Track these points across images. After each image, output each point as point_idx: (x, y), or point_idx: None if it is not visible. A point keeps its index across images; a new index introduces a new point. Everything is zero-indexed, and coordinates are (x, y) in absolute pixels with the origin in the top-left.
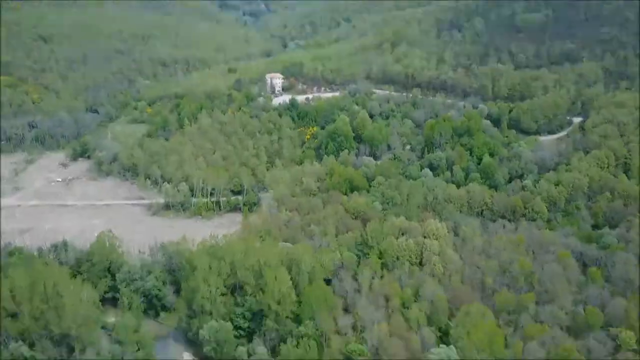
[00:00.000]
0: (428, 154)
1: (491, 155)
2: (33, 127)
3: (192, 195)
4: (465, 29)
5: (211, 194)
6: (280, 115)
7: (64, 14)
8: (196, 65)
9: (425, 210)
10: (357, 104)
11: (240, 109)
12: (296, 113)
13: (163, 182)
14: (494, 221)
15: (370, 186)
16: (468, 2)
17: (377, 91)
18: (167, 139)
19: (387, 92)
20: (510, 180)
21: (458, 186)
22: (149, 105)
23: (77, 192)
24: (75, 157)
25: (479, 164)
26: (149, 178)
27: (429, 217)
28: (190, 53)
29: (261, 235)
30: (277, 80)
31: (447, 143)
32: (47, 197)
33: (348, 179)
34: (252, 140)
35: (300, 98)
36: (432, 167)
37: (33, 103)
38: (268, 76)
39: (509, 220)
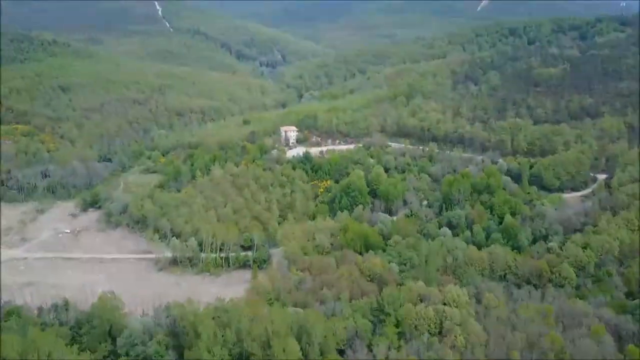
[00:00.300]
0: (446, 211)
1: (513, 214)
2: (46, 176)
3: (201, 251)
4: (481, 82)
5: (220, 249)
6: (294, 168)
7: (84, 64)
8: (211, 114)
9: (445, 273)
10: (371, 157)
11: (253, 161)
12: (310, 166)
13: (172, 236)
14: (519, 286)
15: (386, 245)
16: (483, 55)
17: (392, 144)
18: (178, 190)
19: (403, 145)
20: (534, 242)
21: (479, 247)
22: (163, 155)
23: (84, 244)
24: (85, 207)
25: (500, 223)
26: (158, 231)
27: (449, 282)
28: (205, 103)
29: (270, 299)
30: (292, 133)
31: (466, 200)
32: (54, 249)
33: (363, 236)
34: (264, 194)
35: (315, 151)
36: (450, 226)
37: (48, 152)
38: (282, 129)
39: (535, 286)
